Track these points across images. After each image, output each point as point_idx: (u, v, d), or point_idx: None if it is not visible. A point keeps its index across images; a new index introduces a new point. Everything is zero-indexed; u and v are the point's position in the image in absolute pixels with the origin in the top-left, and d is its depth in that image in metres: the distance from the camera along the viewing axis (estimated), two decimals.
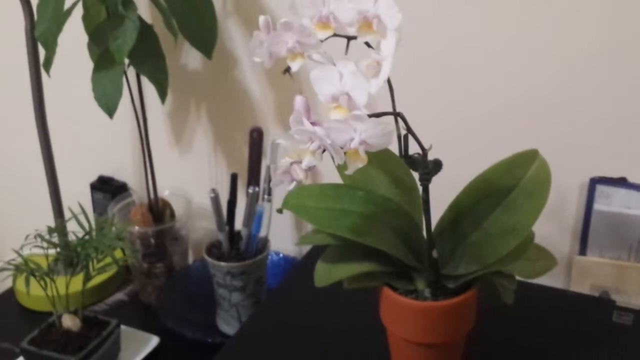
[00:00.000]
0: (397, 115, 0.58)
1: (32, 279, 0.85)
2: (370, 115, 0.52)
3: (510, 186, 0.64)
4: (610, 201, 0.87)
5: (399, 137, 0.61)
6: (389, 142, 0.53)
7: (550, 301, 0.86)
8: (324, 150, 0.53)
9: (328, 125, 0.52)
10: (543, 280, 0.78)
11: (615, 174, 0.87)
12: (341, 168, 0.54)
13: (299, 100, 0.54)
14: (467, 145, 0.94)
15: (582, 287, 0.90)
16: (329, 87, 0.53)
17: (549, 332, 0.80)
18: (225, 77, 1.08)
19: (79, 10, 0.95)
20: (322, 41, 0.57)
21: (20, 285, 0.92)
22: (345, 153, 0.53)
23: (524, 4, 0.84)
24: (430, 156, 0.61)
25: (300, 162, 0.53)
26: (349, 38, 0.58)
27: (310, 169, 0.53)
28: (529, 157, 0.64)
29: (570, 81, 0.86)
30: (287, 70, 0.58)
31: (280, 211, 0.67)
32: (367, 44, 0.57)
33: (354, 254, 0.64)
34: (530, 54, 0.86)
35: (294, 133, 0.53)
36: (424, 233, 0.66)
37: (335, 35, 0.57)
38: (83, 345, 0.85)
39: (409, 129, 0.58)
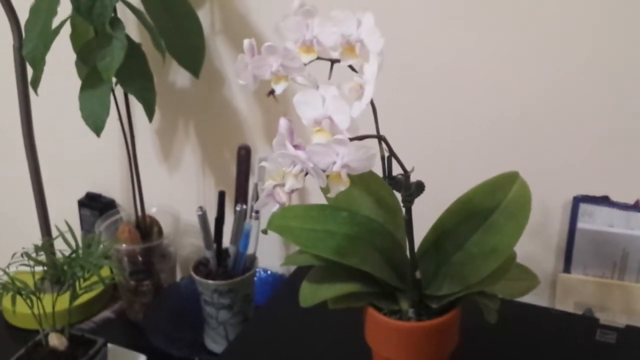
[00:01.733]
0: (380, 138, 0.59)
1: (18, 298, 0.85)
2: (352, 139, 0.53)
3: (491, 208, 0.64)
4: (594, 219, 0.88)
5: (382, 158, 0.62)
6: (370, 166, 0.53)
7: (534, 319, 0.86)
8: (306, 173, 0.53)
9: (310, 148, 0.52)
10: (527, 298, 0.78)
11: (598, 192, 0.88)
12: (325, 190, 0.55)
13: (282, 123, 0.55)
14: (450, 166, 0.95)
15: (566, 304, 0.91)
16: (312, 111, 0.53)
17: (532, 350, 0.81)
18: (213, 95, 1.08)
19: (67, 29, 0.95)
20: (305, 64, 0.57)
21: (7, 303, 0.92)
22: (327, 176, 0.53)
23: (508, 29, 0.86)
24: (414, 178, 0.61)
25: (283, 184, 0.53)
26: (333, 61, 0.59)
27: (294, 192, 0.54)
28: (510, 180, 0.65)
29: (553, 102, 0.87)
30: (272, 92, 0.59)
31: (265, 232, 0.67)
32: (351, 67, 0.57)
33: (339, 274, 0.64)
34: (514, 76, 0.87)
35: (277, 156, 0.53)
36: (408, 253, 0.66)
37: (318, 58, 0.58)
38: None
39: (392, 152, 0.59)
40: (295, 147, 0.54)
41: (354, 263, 0.62)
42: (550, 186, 0.89)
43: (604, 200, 0.87)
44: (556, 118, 0.87)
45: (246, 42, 0.58)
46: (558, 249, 0.92)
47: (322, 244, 0.64)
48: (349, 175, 0.54)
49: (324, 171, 0.53)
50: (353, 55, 0.56)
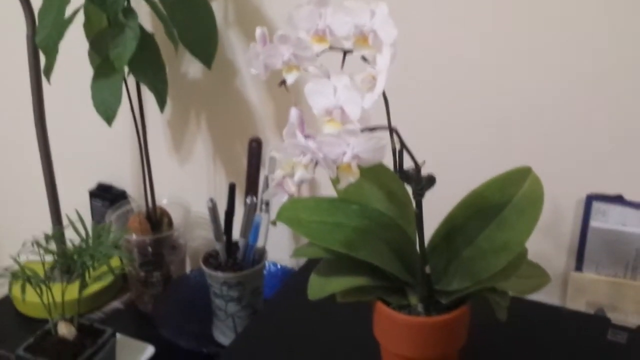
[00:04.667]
0: (391, 130, 0.58)
1: (28, 286, 0.86)
2: (364, 130, 0.53)
3: (503, 203, 0.64)
4: (607, 218, 0.87)
5: (393, 151, 0.61)
6: (381, 157, 0.53)
7: (546, 318, 0.86)
8: (316, 164, 0.53)
9: (321, 139, 0.52)
10: (539, 297, 0.78)
11: (611, 191, 0.87)
12: (335, 181, 0.55)
13: (293, 113, 0.55)
14: (462, 161, 0.94)
15: (577, 303, 0.90)
16: (323, 101, 0.53)
17: (543, 348, 0.80)
18: (225, 86, 1.08)
19: (80, 18, 0.95)
20: (318, 54, 0.57)
21: (17, 291, 0.93)
22: (337, 167, 0.53)
23: (526, 26, 0.85)
24: (425, 171, 0.61)
25: (292, 175, 0.53)
26: (345, 52, 0.58)
27: (303, 182, 0.53)
28: (522, 175, 0.64)
29: (567, 100, 0.86)
30: (283, 82, 0.58)
31: (274, 223, 0.67)
32: (363, 58, 0.57)
33: (348, 267, 0.64)
34: (528, 73, 0.87)
35: (287, 146, 0.53)
36: (418, 248, 0.66)
37: (331, 48, 0.57)
38: (78, 354, 0.85)
39: (403, 144, 0.58)
40: (306, 137, 0.53)
41: (363, 256, 0.62)
42: (564, 184, 0.88)
43: (617, 199, 0.87)
44: (571, 116, 0.86)
45: (258, 31, 0.58)
46: (570, 247, 0.92)
47: (332, 236, 0.63)
48: (360, 168, 0.53)
49: (334, 162, 0.52)
50: (366, 46, 0.56)
